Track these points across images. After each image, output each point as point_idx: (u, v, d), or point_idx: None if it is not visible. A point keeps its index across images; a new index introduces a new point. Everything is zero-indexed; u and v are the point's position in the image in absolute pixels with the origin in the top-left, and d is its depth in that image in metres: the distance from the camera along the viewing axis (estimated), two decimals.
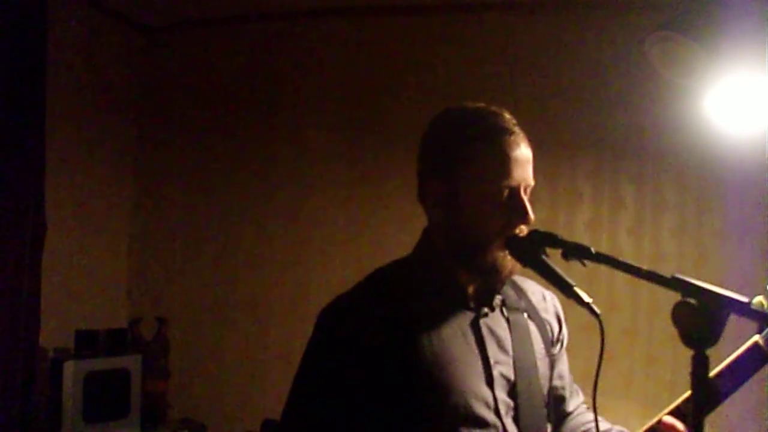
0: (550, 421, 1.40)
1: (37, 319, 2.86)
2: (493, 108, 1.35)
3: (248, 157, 3.59)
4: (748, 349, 1.25)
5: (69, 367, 2.96)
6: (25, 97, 2.83)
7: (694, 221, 3.01)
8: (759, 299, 1.24)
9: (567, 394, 1.53)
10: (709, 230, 2.98)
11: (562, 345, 1.51)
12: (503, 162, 1.27)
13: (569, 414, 1.53)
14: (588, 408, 1.55)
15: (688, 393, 1.29)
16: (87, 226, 3.44)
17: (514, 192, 1.28)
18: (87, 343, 3.14)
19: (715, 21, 2.09)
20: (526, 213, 1.28)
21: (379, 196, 3.32)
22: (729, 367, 1.25)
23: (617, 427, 1.43)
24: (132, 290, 3.71)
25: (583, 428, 1.50)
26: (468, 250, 1.30)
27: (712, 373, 1.22)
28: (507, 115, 1.33)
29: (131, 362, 3.21)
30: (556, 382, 1.50)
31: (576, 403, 1.55)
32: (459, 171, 1.29)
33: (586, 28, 3.13)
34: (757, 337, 1.26)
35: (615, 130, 3.09)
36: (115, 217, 3.64)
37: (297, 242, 3.48)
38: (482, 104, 1.36)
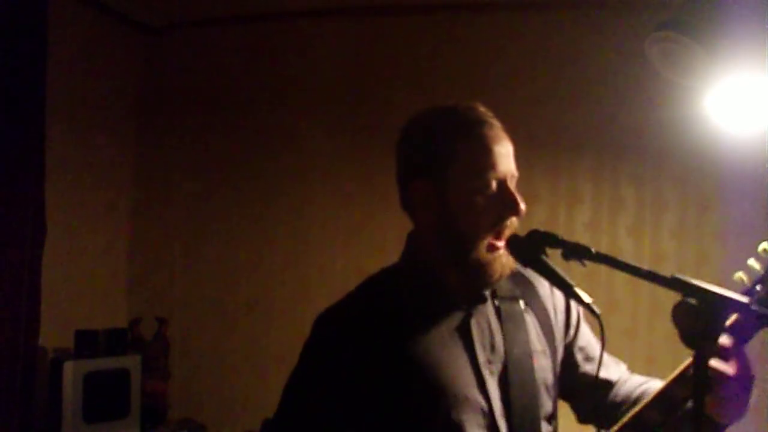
0: (546, 419, 1.35)
1: (37, 319, 2.87)
2: (467, 103, 1.34)
3: (248, 157, 3.59)
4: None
5: (69, 367, 2.95)
6: (25, 98, 2.83)
7: (694, 221, 3.01)
8: (763, 246, 1.23)
9: (606, 372, 1.45)
10: (709, 230, 2.98)
11: (577, 328, 1.46)
12: (488, 155, 1.27)
13: (615, 383, 1.46)
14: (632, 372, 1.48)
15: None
16: (87, 226, 3.44)
17: (502, 184, 1.28)
18: (87, 343, 3.14)
19: (715, 21, 2.09)
20: (517, 204, 1.27)
21: (379, 197, 3.32)
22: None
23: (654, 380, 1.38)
24: (132, 290, 3.71)
25: (638, 391, 1.40)
26: (461, 248, 1.29)
27: None
28: (482, 109, 1.33)
29: (131, 362, 3.21)
30: (587, 368, 1.44)
31: (619, 371, 1.48)
32: (445, 169, 1.28)
33: (586, 28, 3.12)
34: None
35: (615, 130, 3.09)
36: (115, 217, 3.64)
37: (297, 242, 3.48)
38: (453, 102, 1.36)
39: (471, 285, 1.34)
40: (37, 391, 2.92)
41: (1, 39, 2.74)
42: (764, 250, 1.25)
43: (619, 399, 1.43)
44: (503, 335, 1.33)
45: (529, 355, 1.33)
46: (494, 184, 1.27)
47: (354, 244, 3.38)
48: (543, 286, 1.44)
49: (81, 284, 3.37)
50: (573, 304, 1.47)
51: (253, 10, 3.52)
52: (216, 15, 3.59)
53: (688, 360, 1.21)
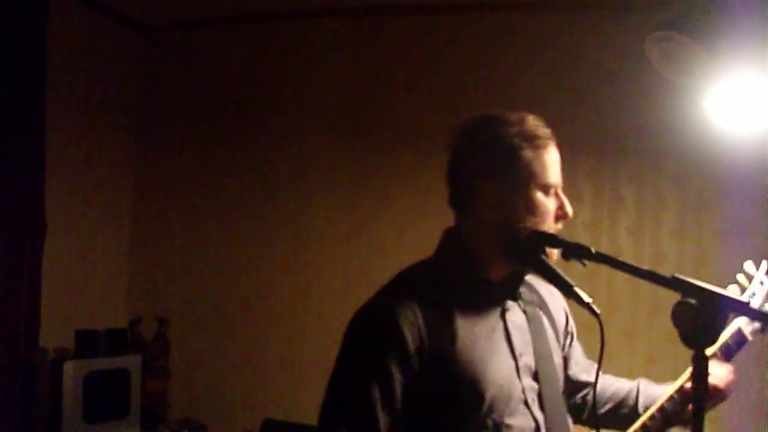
0: (568, 410, 1.47)
1: (37, 319, 2.87)
2: (534, 116, 1.49)
3: (248, 158, 3.59)
4: (734, 335, 1.48)
5: (69, 367, 2.96)
6: (25, 97, 2.83)
7: (694, 221, 3.01)
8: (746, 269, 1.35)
9: (585, 376, 1.64)
10: (709, 230, 2.98)
11: (572, 337, 1.61)
12: (550, 167, 1.43)
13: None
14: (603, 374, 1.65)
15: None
16: (87, 226, 3.44)
17: (556, 191, 1.44)
18: (87, 343, 3.14)
19: (715, 21, 2.10)
20: (568, 209, 1.42)
21: (379, 198, 3.31)
22: (720, 350, 1.46)
23: (643, 381, 1.61)
24: (132, 290, 3.71)
25: (612, 389, 1.63)
26: (521, 244, 1.37)
27: None
28: (545, 123, 1.48)
29: (131, 362, 3.21)
30: (575, 369, 1.60)
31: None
32: (513, 174, 1.40)
33: (586, 28, 3.12)
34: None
35: (615, 130, 3.09)
36: (115, 217, 3.64)
37: (297, 243, 3.48)
38: (521, 113, 1.48)
39: (510, 278, 1.45)
40: (37, 391, 2.92)
41: (1, 39, 2.74)
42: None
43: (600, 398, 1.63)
44: (530, 332, 1.44)
45: (550, 355, 1.46)
46: (551, 192, 1.43)
47: (354, 244, 3.37)
48: (546, 292, 1.56)
49: (81, 284, 3.38)
50: (569, 312, 1.61)
51: (252, 10, 3.52)
52: (216, 15, 3.59)
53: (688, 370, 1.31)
